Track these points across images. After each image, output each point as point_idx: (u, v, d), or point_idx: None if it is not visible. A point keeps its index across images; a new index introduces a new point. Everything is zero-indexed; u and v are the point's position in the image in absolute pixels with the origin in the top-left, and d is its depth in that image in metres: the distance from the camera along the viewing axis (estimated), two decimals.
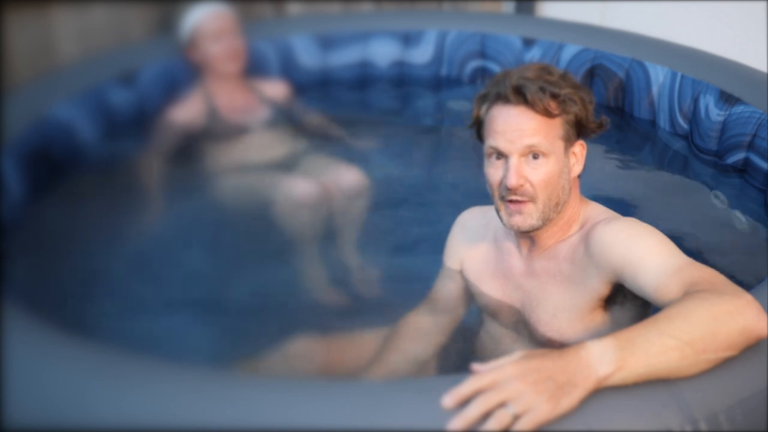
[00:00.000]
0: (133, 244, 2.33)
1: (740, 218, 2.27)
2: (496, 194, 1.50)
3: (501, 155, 1.47)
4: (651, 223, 1.48)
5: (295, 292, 2.24)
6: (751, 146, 2.30)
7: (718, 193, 2.38)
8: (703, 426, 1.19)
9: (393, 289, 2.21)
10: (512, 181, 1.45)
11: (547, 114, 1.45)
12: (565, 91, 1.46)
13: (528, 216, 1.48)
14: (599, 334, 1.40)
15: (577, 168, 1.53)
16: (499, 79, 1.49)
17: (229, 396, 1.23)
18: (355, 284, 2.30)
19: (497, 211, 1.52)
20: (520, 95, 1.44)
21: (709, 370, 1.21)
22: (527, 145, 1.45)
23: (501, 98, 1.47)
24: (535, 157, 1.46)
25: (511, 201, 1.48)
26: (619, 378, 1.16)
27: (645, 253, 1.39)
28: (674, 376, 1.19)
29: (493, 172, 1.49)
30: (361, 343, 1.79)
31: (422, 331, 1.74)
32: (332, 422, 1.17)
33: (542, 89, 1.44)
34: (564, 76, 1.49)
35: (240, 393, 1.23)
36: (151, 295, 2.11)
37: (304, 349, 1.78)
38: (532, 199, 1.47)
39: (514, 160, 1.45)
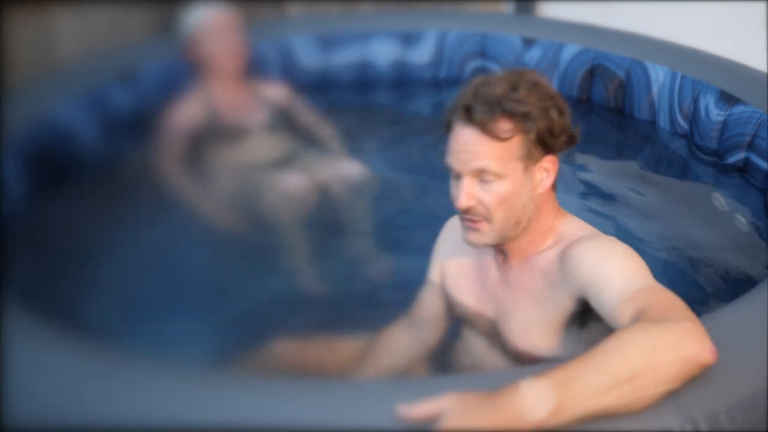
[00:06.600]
0: (131, 244, 2.33)
1: (740, 218, 2.27)
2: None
3: (457, 174, 1.46)
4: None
5: (283, 289, 2.24)
6: (751, 146, 2.30)
7: (719, 192, 2.38)
8: (703, 426, 1.19)
9: (389, 290, 2.22)
10: (461, 202, 1.43)
11: (497, 138, 1.40)
12: (523, 109, 1.40)
13: (482, 234, 1.46)
14: (574, 349, 1.39)
15: (546, 183, 1.48)
16: (463, 92, 1.46)
17: (227, 396, 1.23)
18: (350, 282, 2.30)
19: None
20: (469, 116, 1.41)
21: (709, 370, 1.20)
22: (476, 168, 1.42)
23: (457, 114, 1.44)
24: (487, 180, 1.43)
25: (465, 219, 1.46)
26: (555, 422, 1.12)
27: (610, 273, 1.36)
28: (619, 413, 1.16)
29: (452, 189, 1.48)
30: (340, 349, 1.78)
31: (401, 345, 1.72)
32: (331, 422, 1.17)
33: (492, 111, 1.39)
34: (533, 87, 1.43)
35: (238, 393, 1.23)
36: (147, 295, 2.11)
37: (281, 352, 1.76)
38: (486, 219, 1.45)
39: (464, 182, 1.43)
